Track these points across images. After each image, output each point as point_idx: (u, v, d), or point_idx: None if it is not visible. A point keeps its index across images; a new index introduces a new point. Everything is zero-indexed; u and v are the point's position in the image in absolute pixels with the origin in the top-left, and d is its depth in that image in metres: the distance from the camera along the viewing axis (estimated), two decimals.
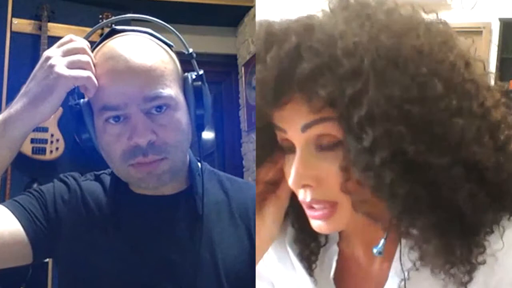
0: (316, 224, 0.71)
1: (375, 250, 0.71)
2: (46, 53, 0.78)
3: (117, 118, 0.79)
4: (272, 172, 0.74)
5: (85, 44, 0.80)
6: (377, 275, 0.76)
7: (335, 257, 0.79)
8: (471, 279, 0.66)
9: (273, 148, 0.73)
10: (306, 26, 0.66)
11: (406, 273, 0.70)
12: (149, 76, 0.79)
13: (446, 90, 0.62)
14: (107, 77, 0.79)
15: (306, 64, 0.63)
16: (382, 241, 0.71)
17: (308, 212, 0.71)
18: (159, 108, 0.79)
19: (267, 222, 0.75)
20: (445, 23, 0.69)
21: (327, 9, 0.70)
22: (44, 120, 0.79)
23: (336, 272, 0.78)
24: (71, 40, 0.80)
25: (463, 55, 0.67)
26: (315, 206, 0.69)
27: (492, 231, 0.66)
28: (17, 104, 0.78)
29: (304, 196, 0.69)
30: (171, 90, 0.81)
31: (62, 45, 0.79)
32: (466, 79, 0.65)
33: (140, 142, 0.78)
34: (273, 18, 0.71)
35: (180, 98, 0.83)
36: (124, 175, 0.84)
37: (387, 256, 0.73)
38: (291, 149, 0.70)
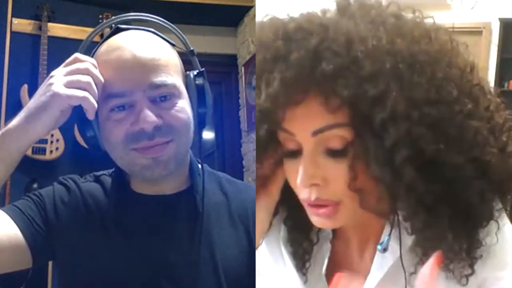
0: (318, 221, 0.72)
1: (379, 247, 0.73)
2: (52, 72, 0.79)
3: (121, 107, 0.79)
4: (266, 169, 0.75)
5: (90, 64, 0.79)
6: (367, 269, 0.76)
7: (327, 254, 0.80)
8: (473, 272, 0.69)
9: (272, 149, 0.73)
10: (322, 27, 0.67)
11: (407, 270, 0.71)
12: (154, 65, 0.80)
13: (459, 94, 0.66)
14: (113, 67, 0.80)
15: (327, 65, 0.64)
16: (386, 238, 0.72)
17: (310, 210, 0.71)
18: (163, 97, 0.80)
19: (259, 217, 0.76)
20: (445, 29, 0.72)
21: (332, 9, 0.71)
22: (39, 137, 0.80)
23: (328, 268, 0.80)
24: (76, 60, 0.80)
25: (467, 60, 0.70)
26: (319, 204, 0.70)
27: (487, 226, 0.69)
28: (16, 118, 0.79)
29: (308, 195, 0.70)
30: (175, 80, 0.82)
31: (68, 64, 0.80)
32: (473, 84, 0.69)
33: (145, 127, 0.78)
34: (278, 15, 0.72)
35: (183, 89, 0.84)
36: (128, 162, 0.83)
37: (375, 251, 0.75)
38: (295, 153, 0.70)
